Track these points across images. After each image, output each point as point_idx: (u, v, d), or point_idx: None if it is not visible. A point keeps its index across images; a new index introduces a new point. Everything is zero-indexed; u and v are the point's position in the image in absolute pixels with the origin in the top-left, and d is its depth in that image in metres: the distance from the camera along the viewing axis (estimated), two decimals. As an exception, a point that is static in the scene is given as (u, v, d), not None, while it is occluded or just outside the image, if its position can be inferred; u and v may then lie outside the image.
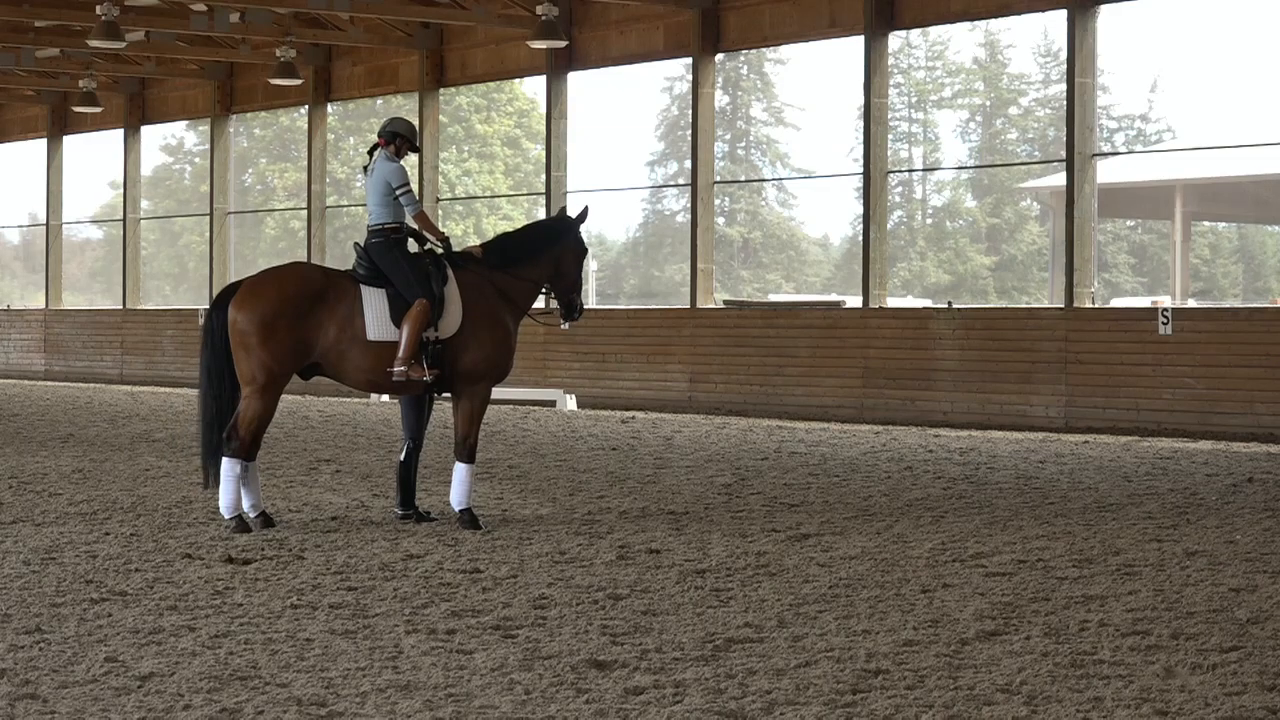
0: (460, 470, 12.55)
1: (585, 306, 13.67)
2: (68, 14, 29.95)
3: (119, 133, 39.28)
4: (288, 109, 48.44)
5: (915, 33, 69.19)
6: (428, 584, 9.83)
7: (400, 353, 12.28)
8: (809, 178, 79.86)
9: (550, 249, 13.04)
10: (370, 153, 12.85)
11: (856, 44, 26.00)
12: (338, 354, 12.36)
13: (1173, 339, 22.00)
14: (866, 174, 25.81)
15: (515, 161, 71.82)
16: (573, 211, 13.40)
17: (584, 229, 13.30)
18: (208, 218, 37.27)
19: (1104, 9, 23.48)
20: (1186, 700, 7.00)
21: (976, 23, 48.52)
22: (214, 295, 12.99)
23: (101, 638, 8.16)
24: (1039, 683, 7.29)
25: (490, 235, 69.94)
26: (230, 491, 12.18)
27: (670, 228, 75.30)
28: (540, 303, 14.55)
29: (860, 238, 26.43)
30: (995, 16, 26.60)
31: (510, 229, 14.47)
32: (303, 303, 12.27)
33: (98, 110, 36.62)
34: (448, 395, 12.82)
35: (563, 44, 27.87)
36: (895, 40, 50.52)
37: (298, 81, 31.92)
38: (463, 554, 11.05)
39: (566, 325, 12.52)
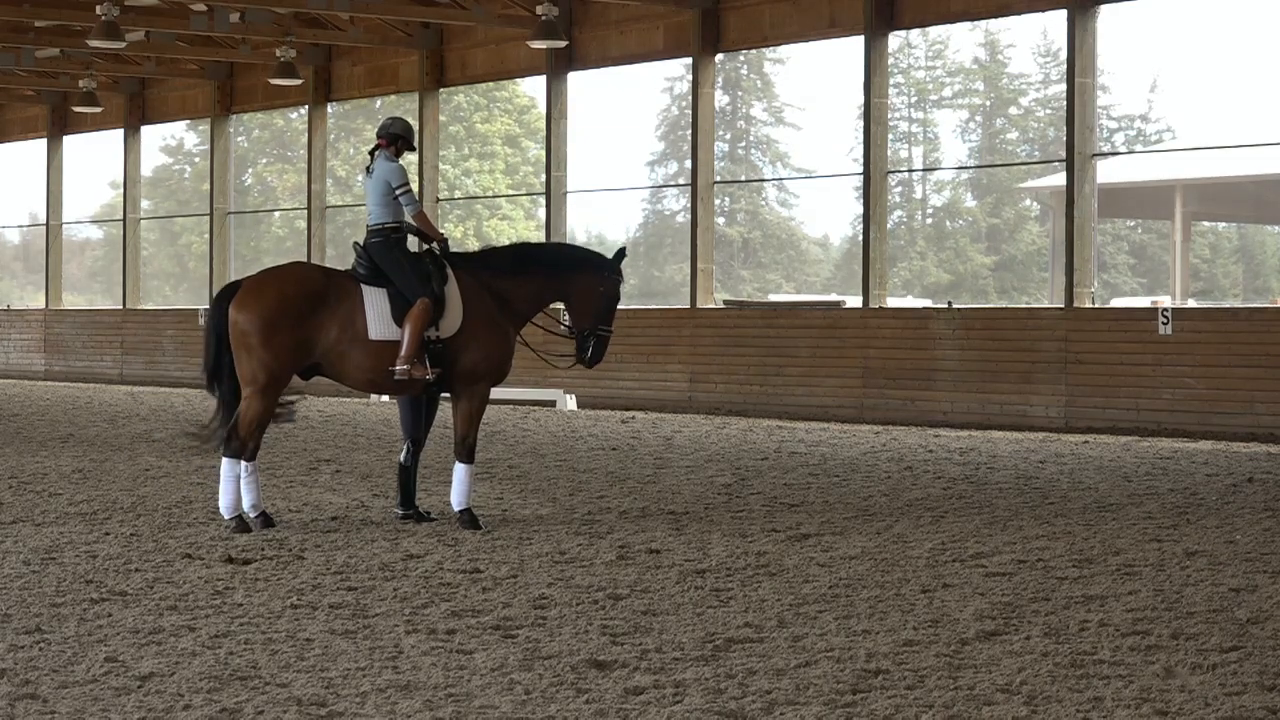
0: (460, 470, 12.55)
1: (601, 353, 13.09)
2: (68, 14, 29.95)
3: (119, 133, 39.28)
4: (287, 109, 48.50)
5: (915, 33, 69.21)
6: (428, 584, 9.82)
7: (402, 351, 12.27)
8: (809, 178, 79.90)
9: (564, 275, 12.90)
10: (371, 153, 12.85)
11: (856, 44, 26.00)
12: (339, 354, 12.36)
13: (1173, 339, 22.00)
14: (866, 174, 25.81)
15: (515, 162, 71.82)
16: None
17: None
18: (208, 218, 37.28)
19: (1104, 9, 23.48)
20: (1186, 700, 7.00)
21: (976, 23, 48.53)
22: (214, 295, 12.98)
23: (101, 638, 8.16)
24: (1039, 683, 7.29)
25: (490, 235, 69.58)
26: (230, 491, 12.18)
27: (670, 228, 75.29)
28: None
29: (860, 238, 26.43)
30: (995, 16, 26.61)
31: (533, 241, 14.33)
32: (304, 303, 12.27)
33: (98, 110, 36.63)
34: (447, 395, 12.82)
35: (563, 44, 27.87)
36: (895, 40, 50.50)
37: (298, 81, 31.92)
38: (463, 554, 11.05)
39: (563, 365, 12.36)
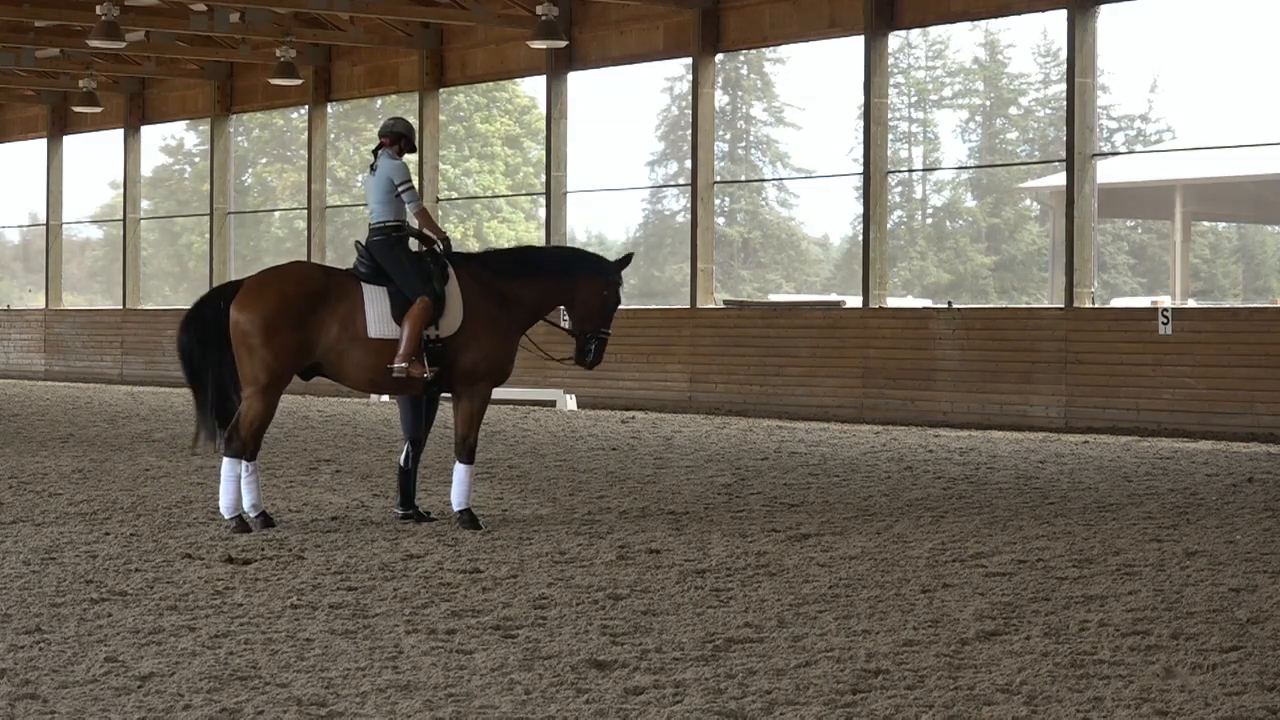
0: (460, 470, 12.55)
1: (600, 355, 13.18)
2: (68, 14, 29.95)
3: (119, 133, 39.29)
4: (287, 109, 48.49)
5: (915, 33, 69.21)
6: (428, 584, 9.82)
7: (401, 349, 12.27)
8: (809, 178, 79.87)
9: (567, 280, 12.92)
10: (375, 151, 12.85)
11: (856, 44, 26.01)
12: (339, 353, 12.35)
13: (1173, 339, 22.00)
14: (866, 174, 25.81)
15: (515, 162, 71.82)
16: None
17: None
18: (208, 218, 37.28)
19: (1104, 9, 23.48)
20: (1186, 700, 7.00)
21: (976, 23, 48.54)
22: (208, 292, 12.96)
23: (101, 638, 8.16)
24: (1039, 683, 7.29)
25: (490, 235, 69.59)
26: (230, 491, 12.18)
27: (670, 228, 75.29)
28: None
29: (860, 238, 26.43)
30: (995, 16, 26.61)
31: (537, 245, 14.30)
32: (304, 303, 12.27)
33: (98, 110, 36.63)
34: (448, 395, 12.82)
35: (563, 44, 27.87)
36: (895, 40, 50.47)
37: (298, 81, 31.92)
38: (463, 554, 11.05)
39: (567, 324, 12.48)
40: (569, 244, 30.81)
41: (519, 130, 71.83)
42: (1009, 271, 70.10)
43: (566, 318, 13.30)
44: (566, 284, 12.94)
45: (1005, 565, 10.65)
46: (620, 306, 13.32)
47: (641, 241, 76.68)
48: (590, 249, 13.62)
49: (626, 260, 13.20)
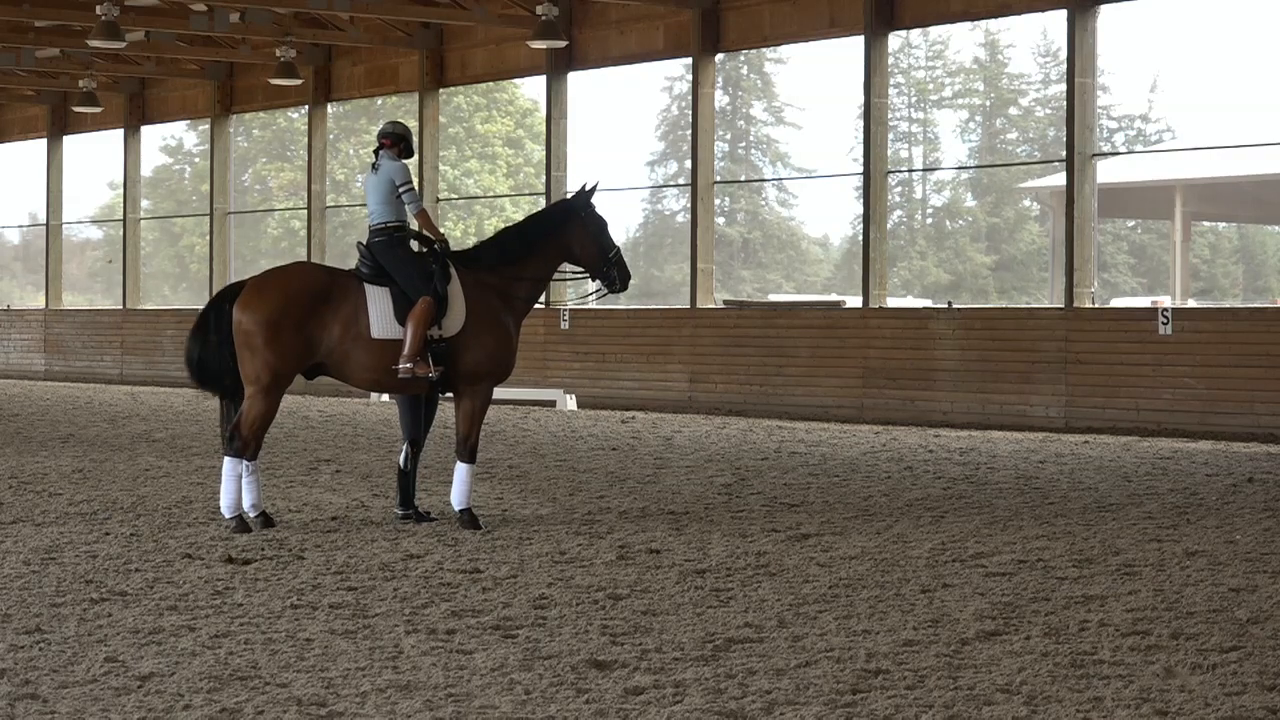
0: (461, 470, 12.55)
1: (624, 270, 13.21)
2: (68, 14, 29.95)
3: (119, 133, 39.28)
4: (287, 109, 48.52)
5: (915, 33, 69.24)
6: (428, 584, 9.83)
7: (405, 350, 12.27)
8: (809, 178, 79.88)
9: (555, 238, 12.96)
10: (376, 152, 12.86)
11: (856, 44, 26.00)
12: (342, 353, 12.36)
13: (1173, 339, 22.00)
14: (866, 174, 25.81)
15: (516, 163, 71.82)
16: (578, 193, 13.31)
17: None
18: (208, 218, 37.28)
19: (1104, 9, 23.47)
20: (1186, 700, 7.00)
21: (976, 23, 48.54)
22: (214, 295, 13.01)
23: (101, 638, 8.16)
24: (1039, 683, 7.29)
25: (490, 235, 69.83)
26: (230, 491, 12.18)
27: (670, 228, 75.31)
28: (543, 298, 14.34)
29: (860, 238, 26.43)
30: (995, 16, 26.61)
31: (512, 223, 14.26)
32: (307, 303, 12.27)
33: (98, 110, 36.62)
34: (449, 395, 12.82)
35: (563, 44, 27.87)
36: (895, 40, 50.50)
37: (298, 81, 31.92)
38: (463, 554, 11.05)
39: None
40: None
41: (520, 132, 71.83)
42: (1009, 271, 70.11)
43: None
44: (560, 243, 12.96)
45: (1005, 565, 10.65)
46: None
47: (641, 241, 76.69)
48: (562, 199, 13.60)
49: (593, 190, 13.14)
